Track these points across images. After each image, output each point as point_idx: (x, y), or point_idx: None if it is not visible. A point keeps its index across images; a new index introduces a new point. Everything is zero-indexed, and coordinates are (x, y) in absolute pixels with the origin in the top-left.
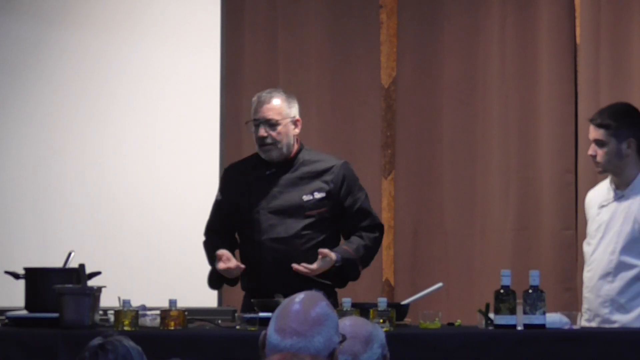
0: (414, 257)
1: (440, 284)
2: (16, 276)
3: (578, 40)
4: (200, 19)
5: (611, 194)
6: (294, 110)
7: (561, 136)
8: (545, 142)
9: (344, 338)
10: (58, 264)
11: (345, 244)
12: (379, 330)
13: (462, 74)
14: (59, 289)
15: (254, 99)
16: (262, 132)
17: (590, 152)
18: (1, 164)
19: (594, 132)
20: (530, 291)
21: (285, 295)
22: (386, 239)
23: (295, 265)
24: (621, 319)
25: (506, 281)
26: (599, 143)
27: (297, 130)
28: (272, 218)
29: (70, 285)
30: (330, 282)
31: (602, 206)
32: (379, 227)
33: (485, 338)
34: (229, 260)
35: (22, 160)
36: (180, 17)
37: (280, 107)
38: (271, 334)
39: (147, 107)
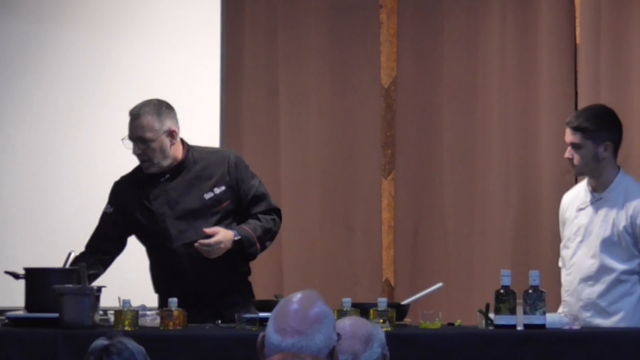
0: (414, 257)
1: (440, 284)
2: (16, 276)
3: (578, 40)
4: (200, 19)
5: (588, 197)
6: (167, 123)
7: (561, 136)
8: (545, 142)
9: (339, 336)
10: (58, 264)
11: (242, 224)
12: (378, 330)
13: (462, 74)
14: (59, 289)
15: (129, 113)
16: (136, 149)
17: (566, 155)
18: (1, 164)
19: (571, 136)
20: (530, 291)
21: (204, 293)
22: (386, 239)
23: (199, 242)
24: (603, 323)
25: (506, 281)
26: (576, 146)
27: (174, 141)
28: (180, 224)
29: (70, 285)
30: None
31: (580, 209)
32: (275, 211)
33: (485, 338)
34: None
35: (21, 160)
36: (180, 17)
37: (150, 123)
38: (271, 334)
39: None
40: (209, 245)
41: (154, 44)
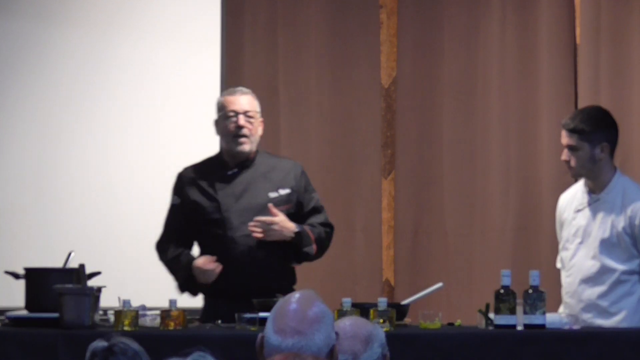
0: (414, 257)
1: (440, 284)
2: (16, 276)
3: (578, 40)
4: (200, 19)
5: (586, 198)
6: (259, 111)
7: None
8: (545, 142)
9: (338, 336)
10: (58, 264)
11: (303, 225)
12: (379, 330)
13: (462, 74)
14: (59, 289)
15: (224, 96)
16: (242, 121)
17: (563, 157)
18: (1, 164)
19: (567, 138)
20: (530, 291)
21: (252, 292)
22: (386, 239)
23: (256, 218)
24: (604, 324)
25: (506, 281)
26: (572, 148)
27: (260, 131)
28: (242, 216)
29: (70, 285)
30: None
31: (578, 210)
32: (330, 226)
33: (485, 338)
34: (210, 263)
35: (22, 160)
36: (180, 17)
37: (255, 102)
38: (270, 335)
39: (147, 107)
40: (265, 223)
41: (154, 43)
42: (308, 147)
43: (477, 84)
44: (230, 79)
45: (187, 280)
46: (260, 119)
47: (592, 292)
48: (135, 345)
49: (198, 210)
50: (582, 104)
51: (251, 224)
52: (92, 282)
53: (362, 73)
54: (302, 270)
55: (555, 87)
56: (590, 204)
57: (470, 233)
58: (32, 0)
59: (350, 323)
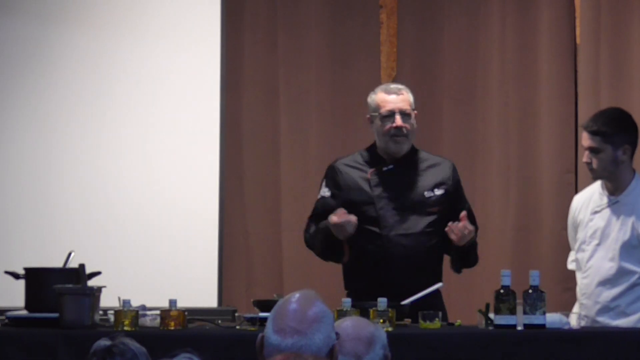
0: None
1: (440, 284)
2: (16, 276)
3: (578, 40)
4: (200, 19)
5: (604, 200)
6: (414, 106)
7: (561, 136)
8: (545, 142)
9: (338, 336)
10: (58, 264)
11: None
12: (380, 331)
13: (462, 74)
14: (59, 289)
15: (379, 91)
16: (399, 121)
17: (584, 159)
18: (1, 164)
19: (589, 140)
20: (530, 291)
21: (397, 294)
22: None
23: (463, 224)
24: (620, 324)
25: (506, 281)
26: (594, 150)
27: (415, 125)
28: (397, 214)
29: (70, 285)
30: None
31: (595, 212)
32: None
33: (485, 338)
34: (344, 215)
35: (21, 160)
36: (180, 17)
37: (410, 99)
38: (270, 335)
39: (147, 107)
40: (462, 229)
41: (154, 43)
42: (308, 147)
43: (477, 84)
44: (230, 79)
45: (327, 244)
46: (415, 112)
47: (609, 294)
48: (136, 346)
49: (351, 206)
50: (582, 104)
51: (450, 225)
52: (92, 282)
53: (362, 73)
54: (302, 270)
55: (555, 87)
56: (609, 205)
57: None
58: (33, 1)
59: (352, 324)
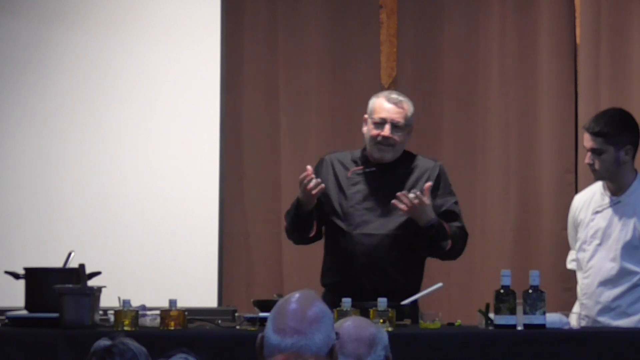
0: None
1: (440, 284)
2: (16, 276)
3: (578, 40)
4: (200, 19)
5: (606, 200)
6: (412, 120)
7: (561, 136)
8: (545, 142)
9: (338, 335)
10: (58, 264)
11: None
12: (382, 333)
13: (462, 74)
14: (59, 289)
15: (382, 96)
16: (387, 131)
17: (587, 160)
18: (1, 164)
19: (591, 141)
20: (530, 291)
21: (371, 293)
22: None
23: (401, 193)
24: (621, 324)
25: (506, 281)
26: (597, 151)
27: (408, 138)
28: (366, 214)
29: (70, 285)
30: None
31: (597, 212)
32: (464, 231)
33: (485, 338)
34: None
35: (21, 160)
36: (180, 17)
37: (408, 113)
38: (270, 334)
39: (147, 107)
40: (411, 198)
41: (154, 44)
42: (308, 147)
43: (477, 84)
44: (230, 79)
45: (297, 213)
46: (411, 128)
47: (610, 294)
48: (136, 346)
49: (327, 199)
50: (582, 104)
51: (399, 193)
52: (92, 282)
53: (362, 73)
54: (302, 270)
55: (555, 87)
56: (611, 205)
57: (470, 233)
58: (33, 1)
59: (353, 325)
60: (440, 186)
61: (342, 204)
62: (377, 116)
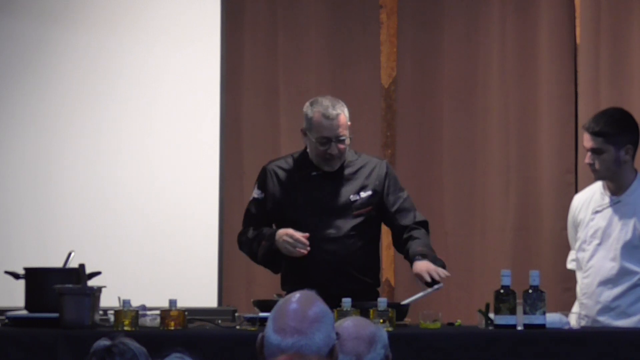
0: None
1: (440, 284)
2: (16, 276)
3: (578, 40)
4: (200, 19)
5: (606, 199)
6: (349, 118)
7: (561, 136)
8: (545, 142)
9: (338, 335)
10: (58, 264)
11: (417, 243)
12: (382, 331)
13: (462, 74)
14: (59, 289)
15: (317, 113)
16: (335, 150)
17: (587, 160)
18: (1, 164)
19: (591, 141)
20: (530, 291)
21: (334, 295)
22: (386, 239)
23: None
24: (621, 324)
25: (506, 281)
26: (597, 151)
27: (350, 139)
28: (318, 219)
29: (70, 285)
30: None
31: (597, 211)
32: (422, 224)
33: (485, 338)
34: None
35: (21, 160)
36: (180, 18)
37: (346, 119)
38: (270, 334)
39: (147, 107)
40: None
41: (154, 44)
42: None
43: (477, 84)
44: (230, 79)
45: (269, 252)
46: (349, 124)
47: (610, 294)
48: (136, 346)
49: (278, 208)
50: (582, 104)
51: (431, 272)
52: (92, 282)
53: (362, 73)
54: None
55: (555, 87)
56: (611, 205)
57: (470, 233)
58: (33, 1)
59: (353, 324)
60: (390, 184)
61: (294, 211)
62: (319, 135)
